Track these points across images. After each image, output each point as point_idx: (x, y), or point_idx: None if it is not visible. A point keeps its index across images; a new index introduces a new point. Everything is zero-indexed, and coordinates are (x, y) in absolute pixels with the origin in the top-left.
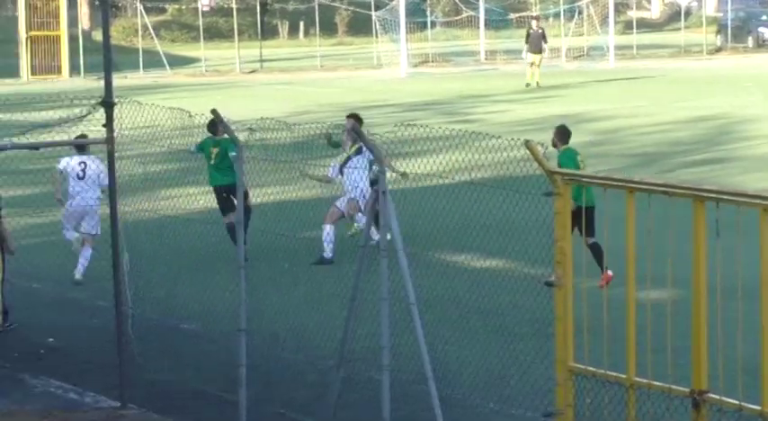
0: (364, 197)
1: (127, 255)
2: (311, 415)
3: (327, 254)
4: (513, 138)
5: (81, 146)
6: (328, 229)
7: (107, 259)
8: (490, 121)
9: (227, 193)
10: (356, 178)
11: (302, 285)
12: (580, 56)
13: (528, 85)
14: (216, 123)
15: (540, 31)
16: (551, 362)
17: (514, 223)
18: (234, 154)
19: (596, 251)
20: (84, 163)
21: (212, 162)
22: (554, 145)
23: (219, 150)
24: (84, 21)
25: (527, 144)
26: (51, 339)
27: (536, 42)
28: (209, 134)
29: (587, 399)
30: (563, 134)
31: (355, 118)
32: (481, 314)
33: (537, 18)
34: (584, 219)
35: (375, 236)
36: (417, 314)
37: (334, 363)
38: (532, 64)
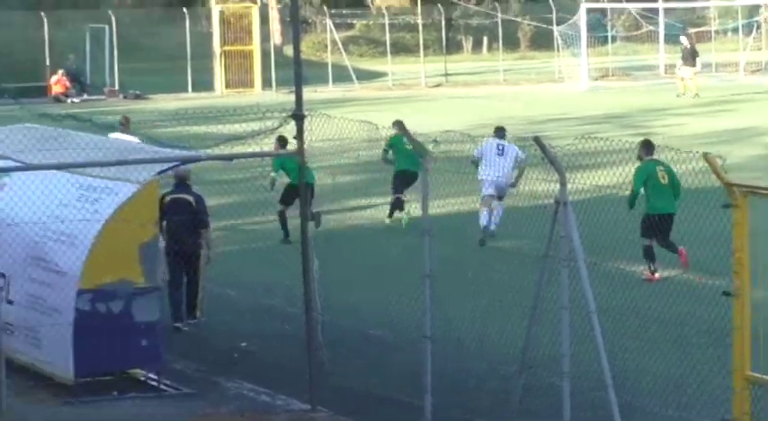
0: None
1: (317, 263)
2: (495, 420)
3: (486, 224)
4: (691, 151)
5: None
6: (485, 212)
7: (297, 266)
8: (669, 134)
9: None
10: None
11: (485, 294)
12: (758, 70)
13: (679, 95)
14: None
15: (690, 46)
16: (729, 371)
17: (693, 234)
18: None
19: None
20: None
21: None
22: (639, 158)
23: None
24: (275, 36)
25: (706, 157)
26: (245, 344)
27: (688, 57)
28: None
29: (765, 408)
30: (646, 147)
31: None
32: (660, 323)
33: (687, 35)
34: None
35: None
36: (597, 323)
37: (515, 370)
38: (683, 78)
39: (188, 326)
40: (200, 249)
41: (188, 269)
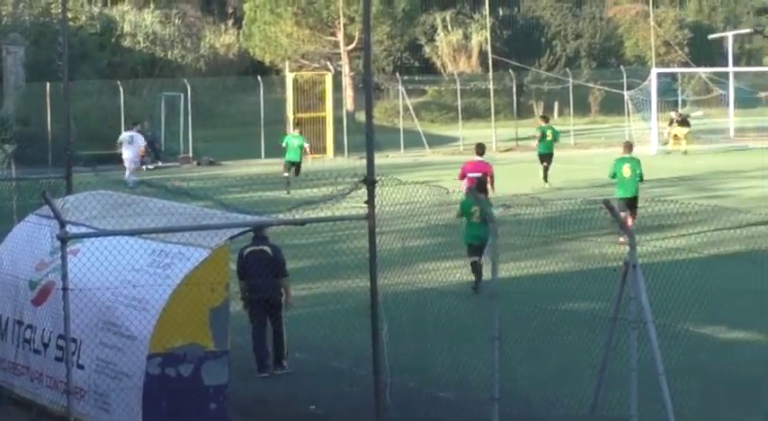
0: None
1: (386, 326)
2: None
3: None
4: (762, 213)
5: None
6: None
7: (367, 329)
8: (740, 197)
9: None
10: None
11: (554, 355)
12: None
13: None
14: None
15: (681, 117)
16: None
17: (765, 295)
18: None
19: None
20: None
21: None
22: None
23: None
24: (348, 103)
25: None
26: (313, 407)
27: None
28: None
29: None
30: (627, 146)
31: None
32: (730, 386)
33: (675, 110)
34: None
35: None
36: (665, 385)
37: None
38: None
39: (274, 375)
40: (281, 297)
41: (270, 318)
